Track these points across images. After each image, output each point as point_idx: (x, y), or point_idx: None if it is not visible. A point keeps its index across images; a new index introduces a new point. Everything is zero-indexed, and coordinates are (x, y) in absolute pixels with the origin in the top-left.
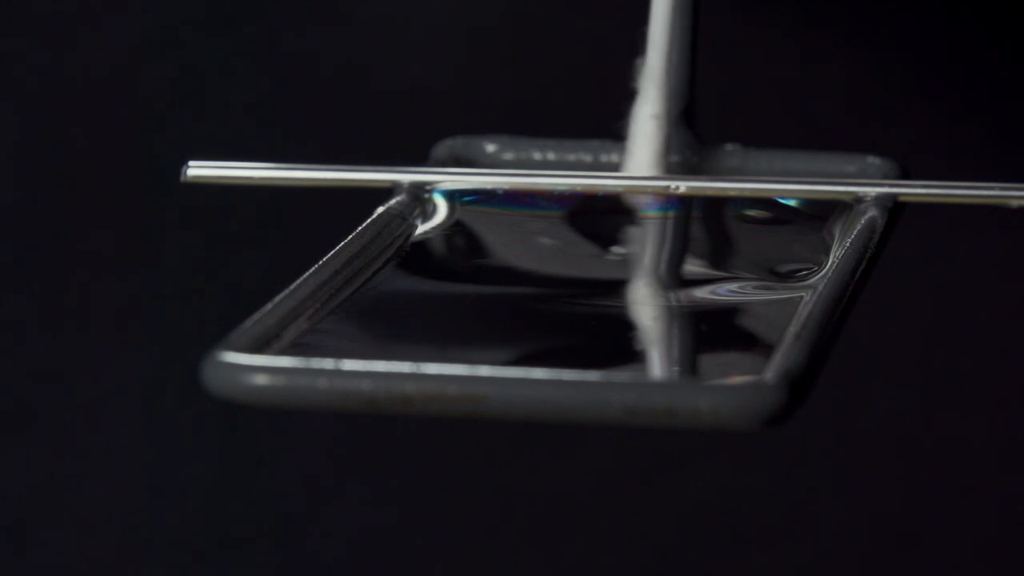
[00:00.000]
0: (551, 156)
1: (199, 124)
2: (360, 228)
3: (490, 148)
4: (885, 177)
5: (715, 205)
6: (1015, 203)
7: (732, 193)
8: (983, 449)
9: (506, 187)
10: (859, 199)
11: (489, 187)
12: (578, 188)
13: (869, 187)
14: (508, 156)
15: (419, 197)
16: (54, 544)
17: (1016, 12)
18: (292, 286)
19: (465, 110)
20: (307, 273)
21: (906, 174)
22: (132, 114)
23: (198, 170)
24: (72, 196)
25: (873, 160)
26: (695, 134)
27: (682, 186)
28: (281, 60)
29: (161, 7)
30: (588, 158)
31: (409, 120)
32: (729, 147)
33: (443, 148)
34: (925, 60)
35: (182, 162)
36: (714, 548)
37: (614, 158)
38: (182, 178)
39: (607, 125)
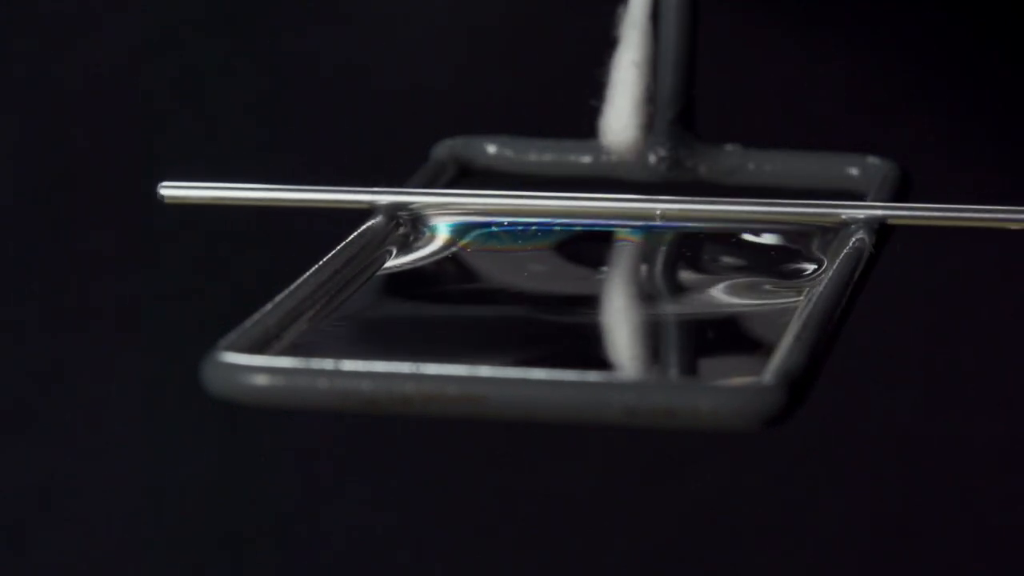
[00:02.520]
0: (550, 157)
1: (199, 124)
2: (361, 228)
3: (490, 148)
4: (885, 178)
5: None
6: (1014, 226)
7: (717, 216)
8: (983, 449)
9: (486, 208)
10: (846, 222)
11: (470, 209)
12: (559, 209)
13: (856, 209)
14: (508, 155)
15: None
16: (54, 544)
17: (1016, 12)
18: (292, 286)
19: (465, 110)
20: (307, 273)
21: (906, 174)
22: (132, 114)
23: (172, 190)
24: (72, 196)
25: (873, 160)
26: (695, 134)
27: (664, 209)
28: (281, 60)
29: (161, 7)
30: (588, 158)
31: (409, 120)
32: (729, 147)
33: (443, 148)
34: (925, 60)
35: (182, 162)
36: (714, 548)
37: (614, 157)
38: (157, 198)
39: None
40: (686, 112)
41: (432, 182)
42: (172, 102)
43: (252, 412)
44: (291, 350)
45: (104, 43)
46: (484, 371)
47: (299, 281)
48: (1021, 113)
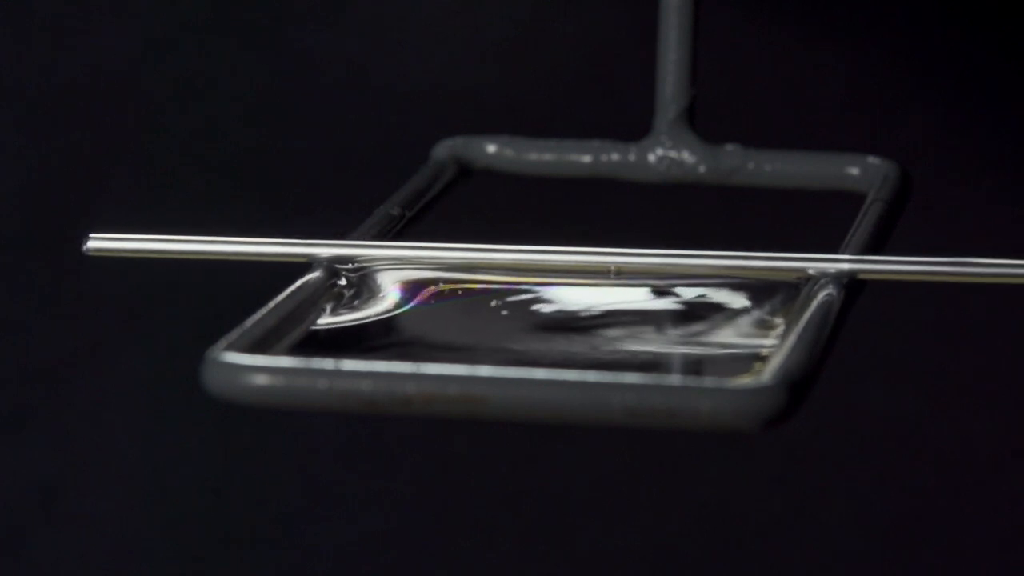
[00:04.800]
0: (550, 156)
1: (199, 124)
2: (361, 227)
3: (490, 148)
4: (885, 178)
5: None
6: (990, 280)
7: (677, 270)
8: (983, 449)
9: (431, 262)
10: (813, 277)
11: (415, 263)
12: (509, 263)
13: (817, 262)
14: (508, 155)
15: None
16: (54, 544)
17: (1016, 12)
18: (292, 287)
19: (465, 110)
20: (308, 274)
21: (906, 174)
22: (132, 114)
23: (99, 243)
24: (72, 196)
25: (873, 160)
26: (695, 134)
27: (619, 263)
28: (281, 60)
29: (162, 7)
30: (588, 158)
31: (409, 120)
32: (729, 147)
33: (443, 148)
34: (925, 60)
35: (183, 162)
36: (714, 548)
37: (614, 157)
38: (84, 250)
39: (607, 125)
40: (687, 112)
41: (432, 182)
42: (172, 102)
43: (252, 412)
44: (292, 348)
45: (104, 44)
46: (484, 371)
47: (299, 282)
48: (1021, 113)
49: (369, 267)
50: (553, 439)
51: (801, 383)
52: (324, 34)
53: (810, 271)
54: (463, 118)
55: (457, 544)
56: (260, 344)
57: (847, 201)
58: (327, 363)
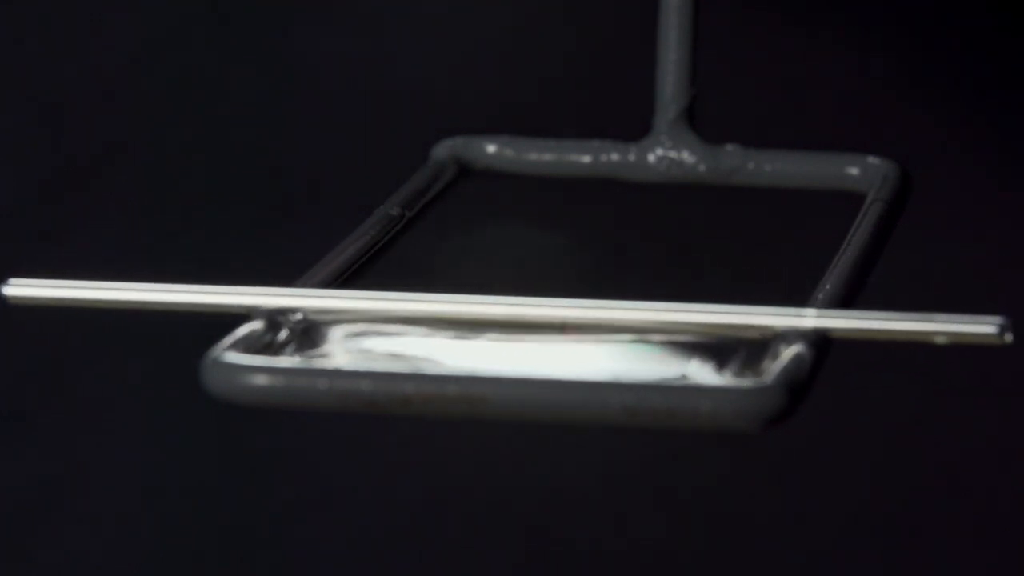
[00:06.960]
0: (550, 156)
1: (198, 125)
2: (358, 230)
3: (490, 148)
4: (885, 178)
5: None
6: (939, 340)
7: (636, 325)
8: (983, 449)
9: (372, 311)
10: (781, 334)
11: (352, 310)
12: (456, 315)
13: (782, 317)
14: (508, 155)
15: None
16: (54, 544)
17: (1016, 12)
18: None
19: (465, 110)
20: (307, 274)
21: (906, 174)
22: (132, 114)
23: (18, 290)
24: (72, 196)
25: (873, 160)
26: (695, 134)
27: (573, 317)
28: (281, 59)
29: (161, 7)
30: (588, 158)
31: (409, 120)
32: (729, 147)
33: (443, 148)
34: (925, 60)
35: (184, 162)
36: (714, 548)
37: (614, 157)
38: (1, 296)
39: (607, 125)
40: (687, 112)
41: (432, 182)
42: (172, 102)
43: (252, 412)
44: (292, 349)
45: (104, 44)
46: (484, 371)
47: (299, 282)
48: (1021, 113)
49: (311, 320)
50: (553, 439)
51: (801, 383)
52: (324, 34)
53: (777, 327)
54: (463, 118)
55: (457, 544)
56: (262, 342)
57: (847, 201)
58: (327, 363)
